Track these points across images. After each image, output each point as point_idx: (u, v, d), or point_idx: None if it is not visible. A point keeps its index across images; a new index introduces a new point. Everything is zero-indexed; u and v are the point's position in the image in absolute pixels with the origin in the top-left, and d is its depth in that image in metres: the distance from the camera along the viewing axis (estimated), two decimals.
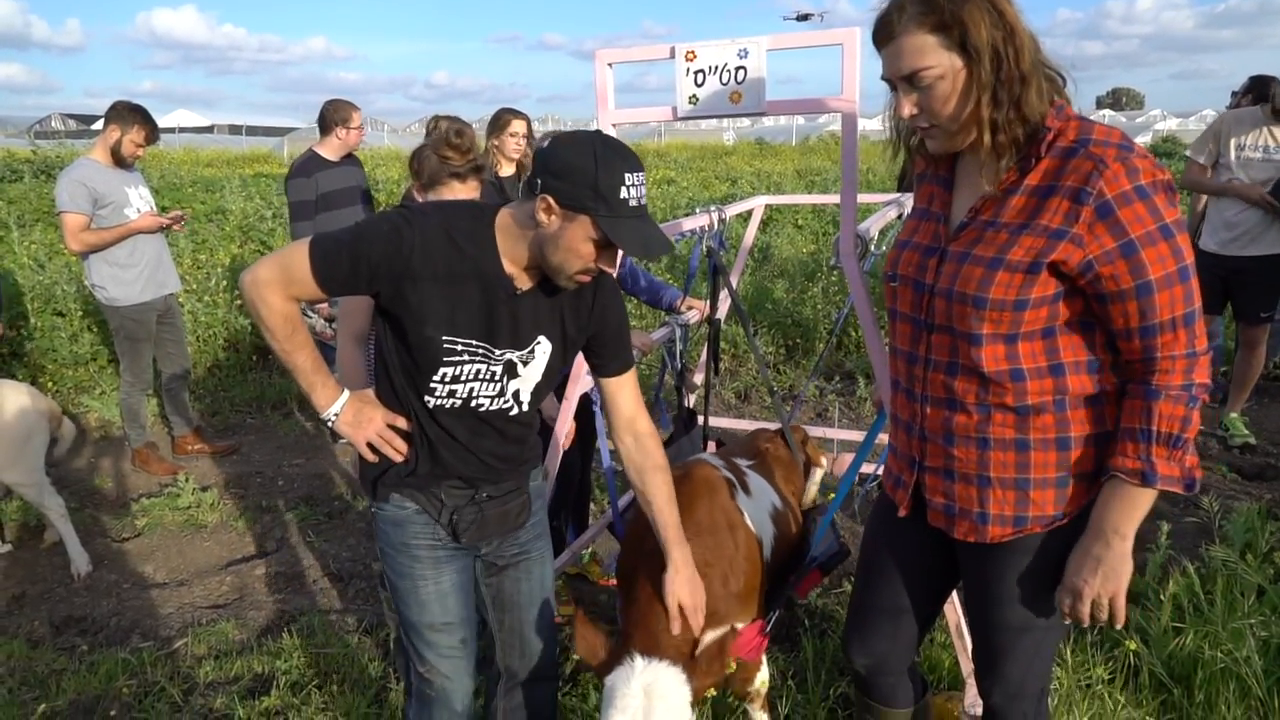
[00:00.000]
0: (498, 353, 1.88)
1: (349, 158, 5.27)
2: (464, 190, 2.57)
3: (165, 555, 4.28)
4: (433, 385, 1.88)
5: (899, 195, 3.81)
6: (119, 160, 4.74)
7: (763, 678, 2.54)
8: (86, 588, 3.94)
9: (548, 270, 1.81)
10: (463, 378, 1.88)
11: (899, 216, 3.42)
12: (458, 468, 1.97)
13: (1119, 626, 1.68)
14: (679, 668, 1.95)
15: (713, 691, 2.04)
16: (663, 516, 2.06)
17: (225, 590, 3.91)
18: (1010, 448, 1.72)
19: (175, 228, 4.98)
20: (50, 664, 3.24)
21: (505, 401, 1.95)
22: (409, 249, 1.77)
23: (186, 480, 4.87)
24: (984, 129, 1.60)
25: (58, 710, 2.94)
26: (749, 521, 2.41)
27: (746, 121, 40.37)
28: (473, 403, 1.92)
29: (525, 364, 1.93)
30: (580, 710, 2.73)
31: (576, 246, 1.73)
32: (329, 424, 1.94)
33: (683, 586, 2.03)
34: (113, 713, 2.92)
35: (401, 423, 1.94)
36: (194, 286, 7.38)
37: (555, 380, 2.04)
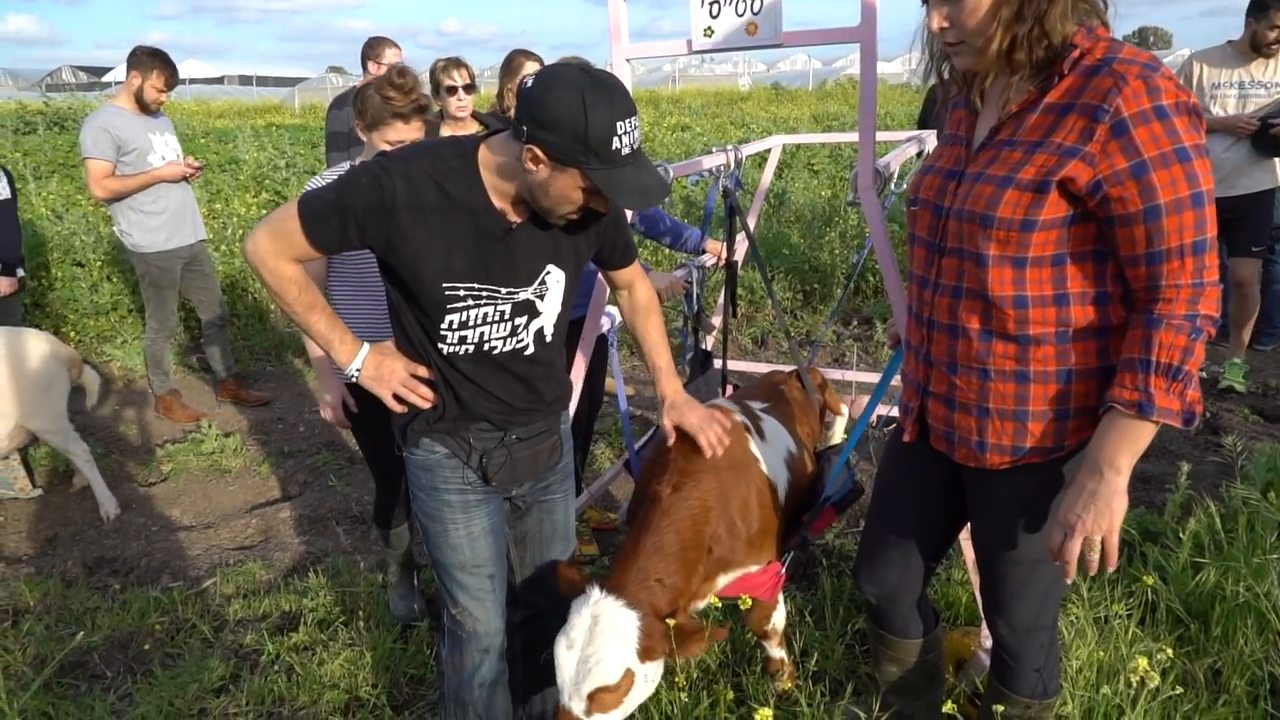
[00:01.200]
0: (504, 292, 1.84)
1: None
2: (407, 130, 2.53)
3: (191, 499, 4.36)
4: (442, 333, 1.86)
5: (919, 133, 3.74)
6: (143, 107, 4.75)
7: (780, 616, 2.57)
8: (116, 530, 4.03)
9: (538, 210, 1.78)
10: (471, 323, 1.85)
11: (919, 154, 3.36)
12: (484, 411, 1.95)
13: (1110, 569, 1.61)
14: (636, 612, 1.92)
15: (717, 638, 2.02)
16: (655, 353, 2.22)
17: (251, 533, 3.98)
18: (1010, 379, 1.71)
19: (194, 175, 4.97)
20: (85, 602, 3.33)
21: (519, 342, 1.92)
22: (391, 198, 1.71)
23: (210, 427, 4.93)
24: (1004, 43, 1.57)
25: (94, 644, 3.02)
26: (764, 467, 2.41)
27: (762, 66, 39.63)
28: (485, 347, 1.89)
29: (541, 298, 1.90)
30: None
31: (567, 194, 1.69)
32: (352, 379, 1.93)
33: (683, 415, 2.17)
34: (146, 647, 3.01)
35: (423, 371, 1.93)
36: (210, 236, 7.37)
37: (570, 310, 2.02)
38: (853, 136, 4.06)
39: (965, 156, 1.75)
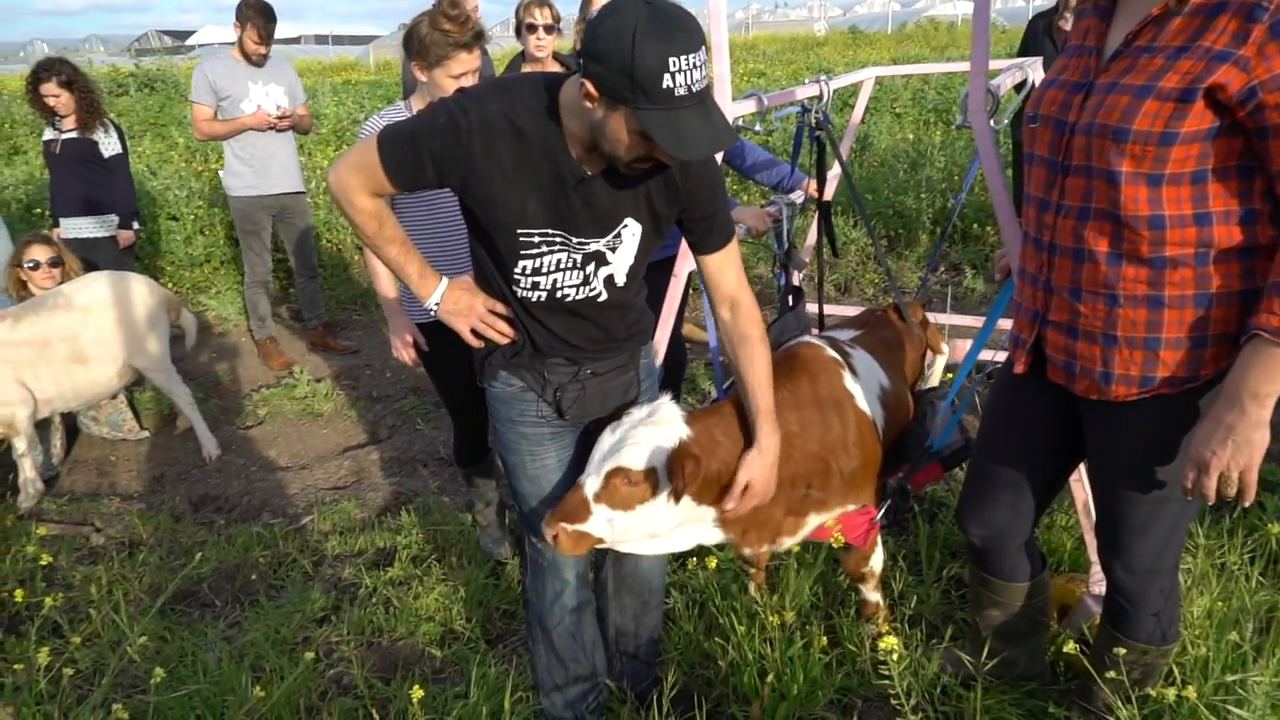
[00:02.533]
0: (576, 241, 1.79)
1: None
2: (470, 60, 2.47)
3: (286, 442, 4.49)
4: (515, 277, 1.83)
5: (1025, 59, 3.54)
6: (248, 56, 4.88)
7: (877, 559, 2.51)
8: (218, 470, 4.18)
9: (605, 157, 1.67)
10: (544, 269, 1.81)
11: (1019, 87, 3.18)
12: (558, 349, 1.94)
13: (1247, 503, 1.54)
14: (690, 430, 1.90)
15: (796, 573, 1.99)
16: (756, 394, 1.94)
17: (344, 474, 4.09)
18: (1141, 304, 1.60)
19: (278, 125, 4.98)
20: (193, 536, 3.48)
21: (592, 289, 1.88)
22: (466, 139, 1.66)
23: (302, 373, 5.06)
24: None
25: (203, 575, 3.15)
26: (860, 404, 2.32)
27: (838, 10, 38.40)
28: (558, 294, 1.85)
29: (613, 250, 1.84)
30: (690, 585, 2.77)
31: (621, 137, 1.58)
32: (431, 314, 1.91)
33: (759, 470, 1.92)
34: (253, 578, 3.12)
35: (500, 307, 1.90)
36: None
37: (650, 258, 1.94)
38: (952, 66, 3.88)
39: (1095, 67, 1.63)
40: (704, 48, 1.49)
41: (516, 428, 2.01)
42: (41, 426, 4.10)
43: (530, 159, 1.69)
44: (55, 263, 4.17)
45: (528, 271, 1.81)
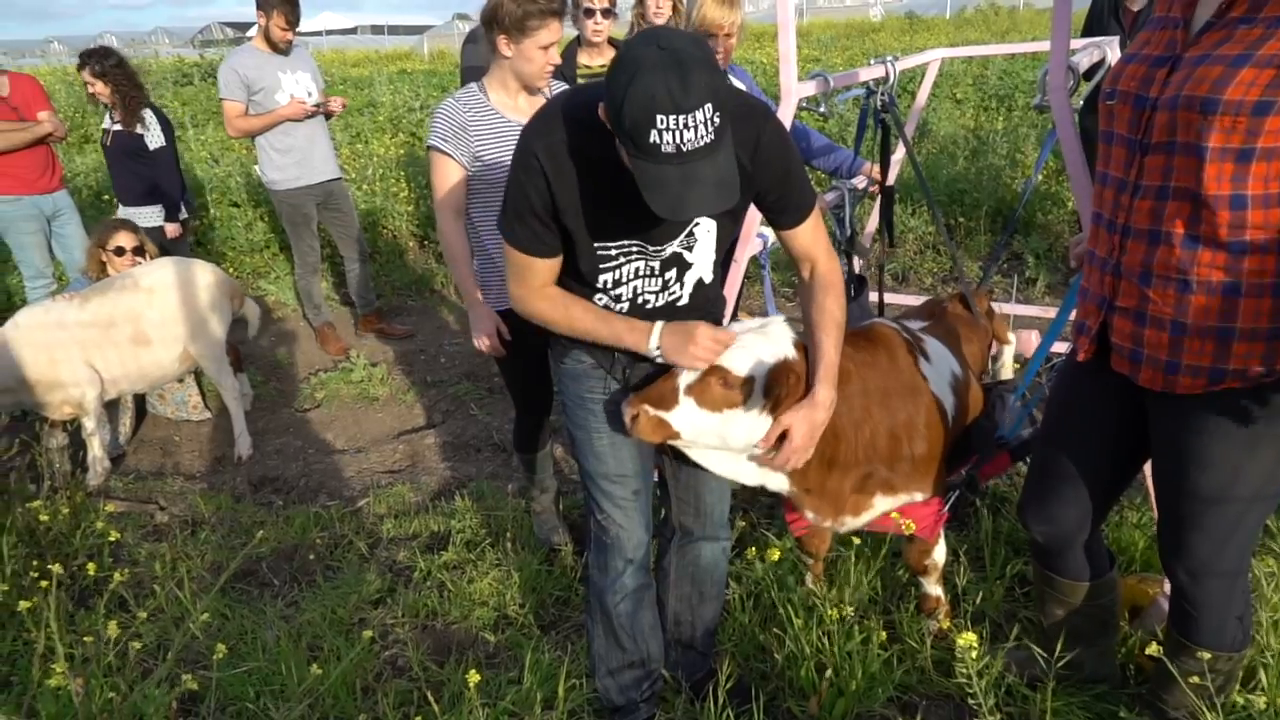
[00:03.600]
0: (653, 249, 1.80)
1: None
2: (558, 29, 2.47)
3: (343, 425, 4.55)
4: (598, 293, 1.87)
5: (1101, 39, 3.40)
6: (274, 46, 4.83)
7: (940, 552, 2.45)
8: (277, 452, 4.25)
9: None
10: (624, 279, 1.84)
11: (1103, 62, 3.05)
12: None
13: None
14: (797, 353, 1.88)
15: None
16: (823, 347, 1.87)
17: (399, 457, 4.12)
18: (1215, 291, 1.52)
19: (323, 111, 5.00)
20: (253, 516, 3.54)
21: (672, 295, 1.90)
22: (542, 183, 1.68)
23: (358, 357, 5.12)
24: None
25: (262, 554, 3.20)
26: (932, 387, 2.27)
27: None
28: (639, 300, 1.88)
29: (690, 249, 1.85)
30: (746, 577, 2.73)
31: (629, 166, 1.57)
32: (656, 358, 1.86)
33: (804, 421, 1.83)
34: (311, 558, 3.16)
35: (726, 337, 1.84)
36: (352, 176, 7.62)
37: (728, 245, 1.94)
38: (1021, 47, 3.75)
39: (1182, 40, 1.55)
40: (708, 105, 1.41)
41: (586, 404, 2.02)
42: (111, 406, 4.20)
43: (597, 176, 1.70)
44: (139, 250, 4.26)
45: (608, 285, 1.85)
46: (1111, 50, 3.14)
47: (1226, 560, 1.73)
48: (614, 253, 1.79)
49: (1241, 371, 1.54)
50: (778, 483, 2.10)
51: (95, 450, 3.84)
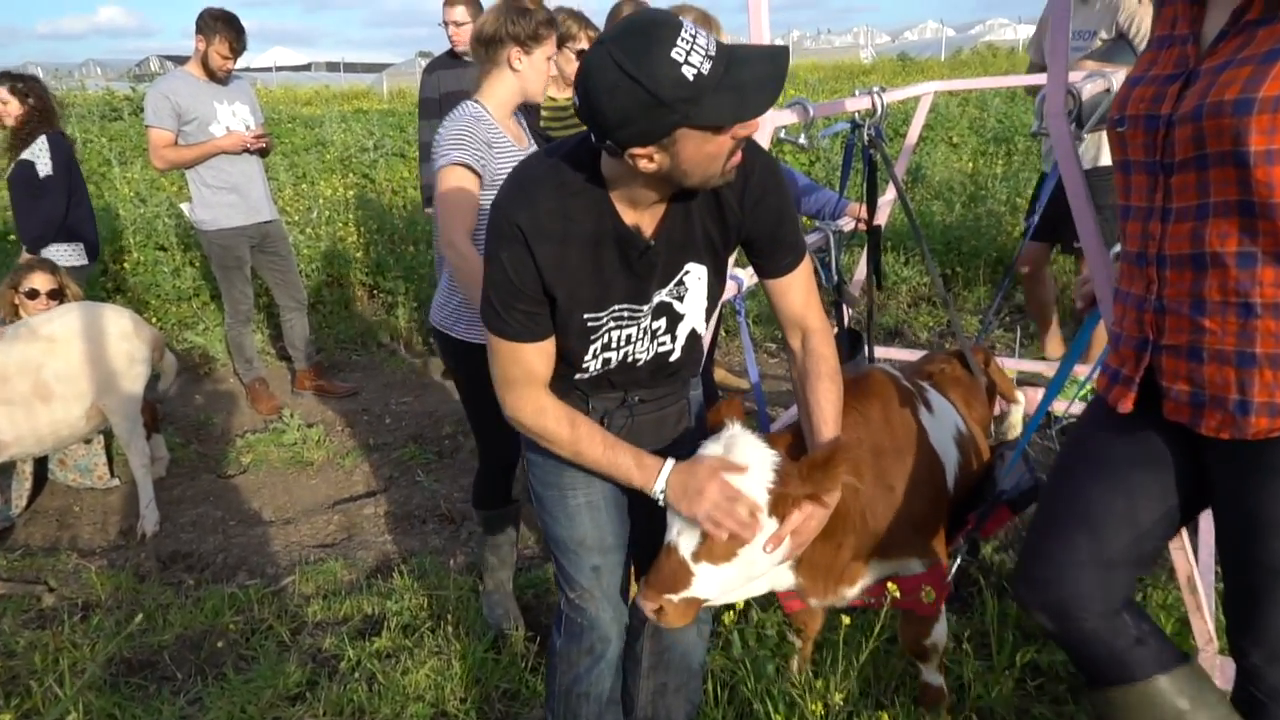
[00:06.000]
0: (645, 307, 1.80)
1: None
2: (552, 44, 2.65)
3: (271, 493, 4.40)
4: (585, 362, 1.82)
5: (1106, 68, 3.43)
6: (211, 74, 4.78)
7: (940, 633, 2.35)
8: (193, 523, 4.08)
9: (695, 189, 1.64)
10: (614, 344, 1.83)
11: (1107, 91, 3.07)
12: (604, 383, 1.92)
13: None
14: (775, 451, 1.77)
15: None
16: (821, 432, 1.85)
17: (333, 529, 3.99)
18: None
19: (257, 146, 4.95)
20: (157, 598, 3.36)
21: (662, 347, 1.89)
22: (523, 259, 1.66)
23: (292, 417, 4.99)
24: None
25: (165, 643, 3.03)
26: (932, 440, 2.22)
27: (886, 37, 38.84)
28: (628, 360, 1.87)
29: (680, 299, 1.83)
30: (722, 668, 2.61)
31: (705, 152, 1.53)
32: (659, 500, 1.79)
33: (812, 515, 1.78)
34: (220, 645, 3.00)
35: (741, 466, 1.76)
36: (295, 218, 7.57)
37: (718, 293, 1.91)
38: (1020, 80, 3.79)
39: (1194, 54, 1.55)
40: (687, 18, 1.44)
41: (554, 459, 1.91)
42: (3, 472, 4.04)
43: (588, 246, 1.67)
44: (55, 294, 4.15)
45: (597, 352, 1.82)
46: (1117, 80, 3.17)
47: None
48: (604, 320, 1.77)
49: None
50: (785, 580, 2.04)
51: None
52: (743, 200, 1.73)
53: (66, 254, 4.75)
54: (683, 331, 1.88)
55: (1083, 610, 1.77)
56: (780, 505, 1.74)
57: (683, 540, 1.77)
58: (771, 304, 1.94)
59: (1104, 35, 4.05)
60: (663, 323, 1.85)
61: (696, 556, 1.76)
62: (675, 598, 1.77)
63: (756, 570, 1.83)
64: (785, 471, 1.74)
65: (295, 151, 10.53)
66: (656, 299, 1.80)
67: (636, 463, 1.79)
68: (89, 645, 2.98)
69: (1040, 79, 2.80)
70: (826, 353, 1.90)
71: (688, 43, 1.41)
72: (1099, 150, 4.15)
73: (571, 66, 3.94)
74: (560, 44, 3.80)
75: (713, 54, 1.44)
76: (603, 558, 1.98)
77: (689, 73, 1.41)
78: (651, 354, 1.88)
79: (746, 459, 1.74)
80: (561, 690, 2.05)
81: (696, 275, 1.82)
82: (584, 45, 3.85)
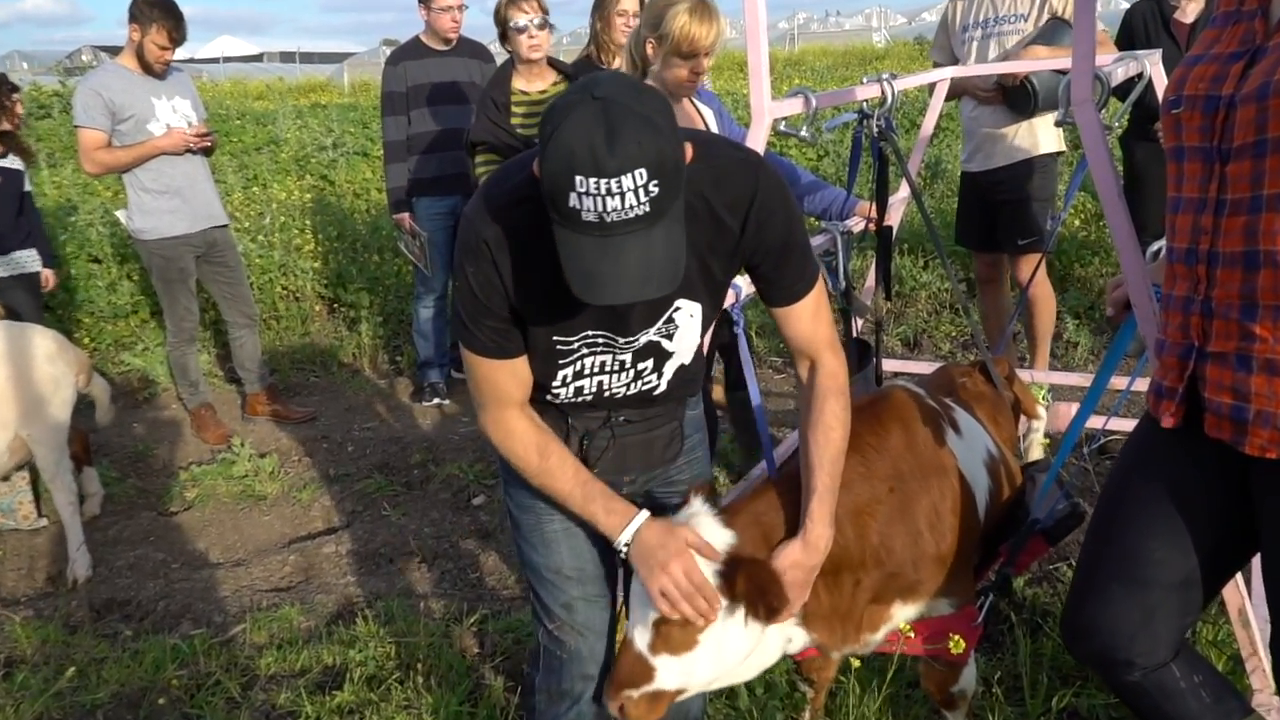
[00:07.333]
0: (623, 341, 1.81)
1: (462, 46, 5.29)
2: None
3: (219, 531, 4.40)
4: (555, 389, 1.87)
5: (1136, 52, 3.48)
6: (147, 67, 4.79)
7: (969, 678, 2.37)
8: (131, 567, 4.09)
9: None
10: (586, 372, 1.85)
11: (1139, 76, 3.11)
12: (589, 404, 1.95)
13: None
14: (731, 532, 1.85)
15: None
16: (816, 473, 1.87)
17: (288, 571, 3.99)
18: None
19: (200, 145, 4.97)
20: (90, 651, 3.35)
21: (646, 384, 1.92)
22: (496, 282, 1.70)
23: (242, 446, 5.00)
24: None
25: (100, 701, 3.02)
26: (961, 466, 2.23)
27: (901, 19, 39.16)
28: (605, 394, 1.90)
29: (669, 337, 1.85)
30: (729, 715, 2.62)
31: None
32: (620, 553, 1.86)
33: (797, 567, 1.84)
34: (161, 702, 2.99)
35: (715, 554, 1.83)
36: (245, 225, 7.59)
37: (711, 323, 1.94)
38: (1046, 62, 3.83)
39: (1262, 30, 1.59)
40: (639, 171, 1.40)
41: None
42: None
43: (555, 265, 1.64)
44: None
45: (568, 379, 1.85)
46: (1151, 63, 3.21)
47: None
48: (575, 344, 1.79)
49: None
50: (798, 640, 2.05)
51: None
52: (745, 224, 1.73)
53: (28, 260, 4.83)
54: (670, 368, 1.91)
55: (1125, 662, 1.83)
56: (730, 588, 1.80)
57: (637, 633, 1.84)
58: (782, 332, 1.95)
59: (1034, 18, 4.22)
60: (649, 363, 1.88)
61: (654, 648, 1.83)
62: (635, 693, 1.83)
63: (730, 656, 1.88)
64: (736, 559, 1.81)
65: (245, 151, 10.54)
66: (643, 339, 1.82)
67: (606, 506, 1.84)
68: (13, 706, 2.98)
69: (1068, 63, 2.83)
70: (838, 382, 1.91)
71: (602, 189, 1.40)
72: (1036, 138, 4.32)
73: (535, 49, 4.00)
74: (608, 8, 3.89)
75: (609, 219, 1.42)
76: (581, 588, 2.01)
77: (573, 201, 1.42)
78: (635, 390, 1.91)
79: (699, 528, 1.83)
80: None
81: (689, 312, 1.83)
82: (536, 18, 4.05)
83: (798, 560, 1.85)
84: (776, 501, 1.96)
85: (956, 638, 2.15)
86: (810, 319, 1.90)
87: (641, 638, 1.84)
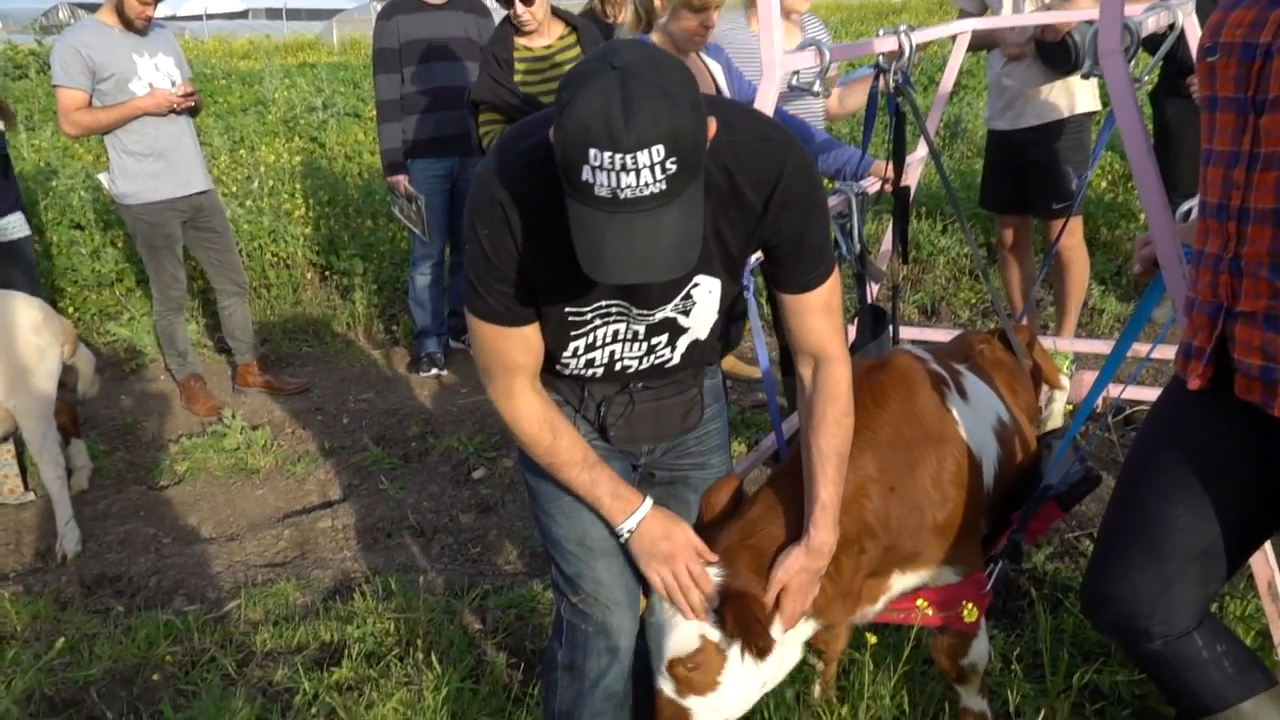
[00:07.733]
0: (639, 312, 1.83)
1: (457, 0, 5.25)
2: None
3: (211, 505, 4.44)
4: (565, 359, 1.89)
5: (1172, 1, 3.45)
6: (128, 23, 4.76)
7: (980, 651, 2.38)
8: (121, 542, 4.12)
9: None
10: (598, 343, 1.87)
11: (1171, 28, 3.09)
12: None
13: None
14: (721, 570, 1.93)
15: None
16: (818, 480, 1.89)
17: (283, 546, 4.02)
18: None
19: (185, 105, 4.95)
20: (82, 627, 3.38)
21: (659, 358, 1.94)
22: (505, 252, 1.71)
23: (234, 418, 5.02)
24: None
25: (92, 678, 3.06)
26: (963, 432, 2.24)
27: None
28: (617, 367, 1.92)
29: (687, 313, 1.87)
30: None
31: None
32: (621, 539, 1.96)
33: (802, 572, 1.91)
34: (155, 678, 3.03)
35: (712, 556, 1.93)
36: (233, 189, 7.58)
37: (730, 299, 1.95)
38: (1075, 14, 3.79)
39: None
40: (658, 147, 1.40)
41: None
42: None
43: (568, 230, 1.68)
44: None
45: (579, 351, 1.87)
46: (1184, 13, 3.18)
47: None
48: (589, 315, 1.81)
49: None
50: (810, 627, 2.11)
51: None
52: (769, 204, 1.73)
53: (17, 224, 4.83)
54: (683, 342, 1.92)
55: (1144, 631, 1.84)
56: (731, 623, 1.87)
57: (663, 683, 1.96)
58: (785, 323, 1.94)
59: None
60: (664, 338, 1.89)
61: (681, 693, 1.94)
62: None
63: (753, 681, 1.99)
64: (723, 597, 1.90)
65: (231, 112, 10.51)
66: (660, 315, 1.83)
67: (612, 491, 1.91)
68: (3, 681, 3.01)
69: (1094, 13, 2.82)
70: (841, 387, 1.92)
71: (616, 164, 1.41)
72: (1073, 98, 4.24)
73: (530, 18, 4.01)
74: None
75: (623, 195, 1.43)
76: (606, 560, 2.02)
77: (586, 175, 1.43)
78: (648, 365, 1.94)
79: None
80: (564, 710, 2.08)
81: (707, 288, 1.84)
82: None
83: (803, 565, 1.91)
84: (769, 514, 2.02)
85: (970, 605, 2.17)
86: (819, 313, 1.89)
87: (667, 688, 1.95)
